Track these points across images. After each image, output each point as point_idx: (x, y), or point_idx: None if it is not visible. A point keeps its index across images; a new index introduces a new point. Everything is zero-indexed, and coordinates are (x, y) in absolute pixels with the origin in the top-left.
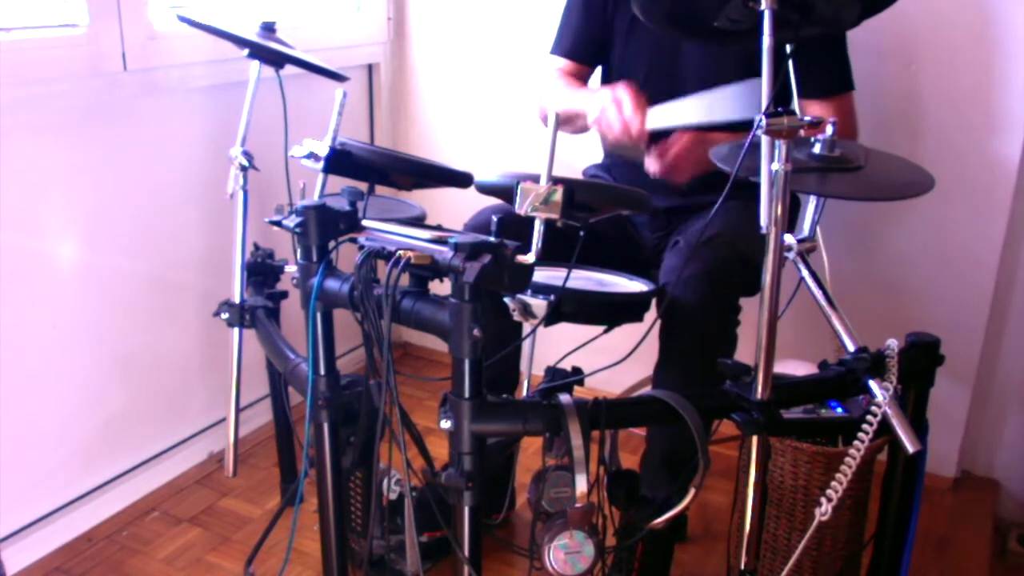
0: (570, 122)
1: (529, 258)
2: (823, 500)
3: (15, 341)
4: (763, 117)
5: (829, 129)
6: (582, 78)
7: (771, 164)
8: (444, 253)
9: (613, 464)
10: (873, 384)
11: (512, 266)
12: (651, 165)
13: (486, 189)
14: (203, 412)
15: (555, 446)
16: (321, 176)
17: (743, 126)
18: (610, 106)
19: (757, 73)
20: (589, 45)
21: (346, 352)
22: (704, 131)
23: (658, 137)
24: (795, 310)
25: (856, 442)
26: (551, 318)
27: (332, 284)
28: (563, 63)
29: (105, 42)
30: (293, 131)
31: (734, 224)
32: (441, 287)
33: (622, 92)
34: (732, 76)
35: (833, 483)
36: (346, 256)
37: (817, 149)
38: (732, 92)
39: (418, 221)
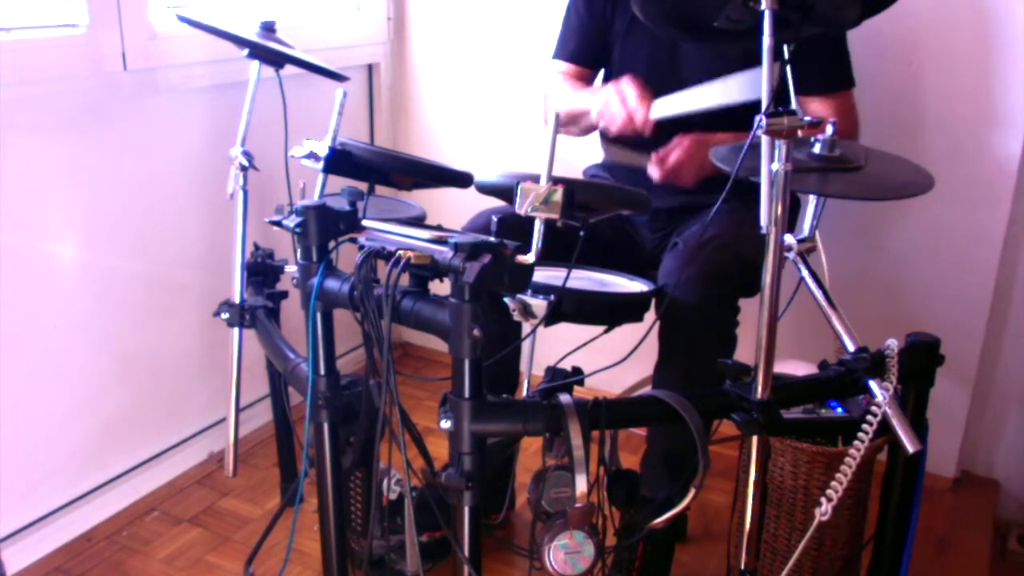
0: (575, 122)
1: (529, 258)
2: (823, 500)
3: (15, 341)
4: (763, 117)
5: (829, 129)
6: (585, 82)
7: (771, 164)
8: (444, 253)
9: (613, 464)
10: (873, 384)
11: (512, 266)
12: (653, 172)
13: (486, 189)
14: (203, 412)
15: (555, 446)
16: (321, 176)
17: (745, 121)
18: (613, 98)
19: None
20: (591, 48)
21: (346, 352)
22: (705, 133)
23: (659, 140)
24: (795, 310)
25: (856, 442)
26: (551, 318)
27: (332, 284)
28: (566, 67)
29: (105, 42)
30: (293, 131)
31: (733, 226)
32: (441, 287)
33: (626, 84)
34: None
35: (833, 483)
36: (346, 256)
37: (817, 149)
38: (734, 79)
39: (418, 221)
